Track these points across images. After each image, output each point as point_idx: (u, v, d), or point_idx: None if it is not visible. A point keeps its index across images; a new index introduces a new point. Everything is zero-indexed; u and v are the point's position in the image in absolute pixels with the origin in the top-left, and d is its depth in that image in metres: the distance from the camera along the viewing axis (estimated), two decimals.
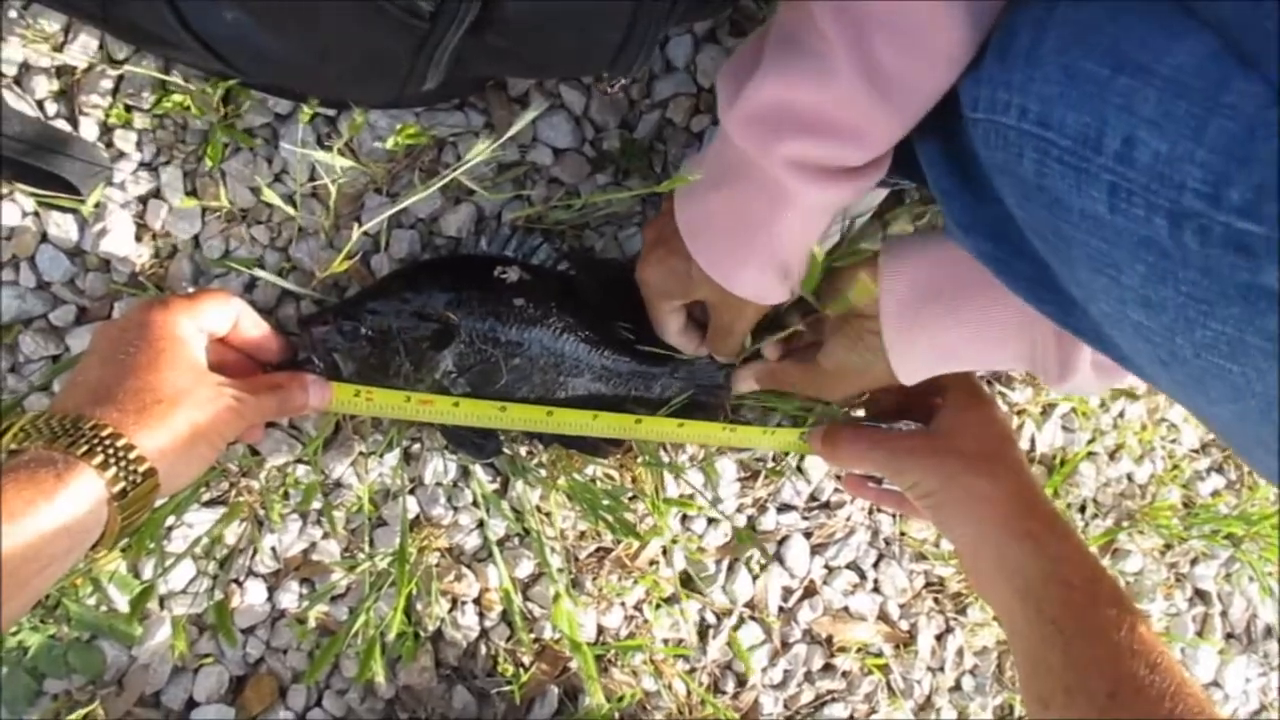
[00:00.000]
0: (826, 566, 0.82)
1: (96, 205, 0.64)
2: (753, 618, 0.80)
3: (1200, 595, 0.92)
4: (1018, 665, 0.57)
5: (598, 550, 0.77)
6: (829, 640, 0.82)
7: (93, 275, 0.66)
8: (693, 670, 0.79)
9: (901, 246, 0.55)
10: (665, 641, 0.78)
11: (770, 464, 0.79)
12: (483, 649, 0.75)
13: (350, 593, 0.73)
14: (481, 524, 0.73)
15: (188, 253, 0.67)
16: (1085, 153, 0.36)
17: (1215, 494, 0.91)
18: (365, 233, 0.66)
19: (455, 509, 0.73)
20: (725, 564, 0.79)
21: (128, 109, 0.65)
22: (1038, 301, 0.45)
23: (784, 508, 0.80)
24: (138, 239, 0.66)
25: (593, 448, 0.70)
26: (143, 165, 0.66)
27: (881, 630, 0.83)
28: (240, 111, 0.65)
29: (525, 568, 0.75)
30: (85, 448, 0.45)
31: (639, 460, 0.74)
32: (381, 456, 0.71)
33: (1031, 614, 0.51)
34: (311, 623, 0.72)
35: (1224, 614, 0.92)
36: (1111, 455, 0.89)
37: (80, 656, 0.68)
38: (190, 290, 0.67)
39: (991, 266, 0.46)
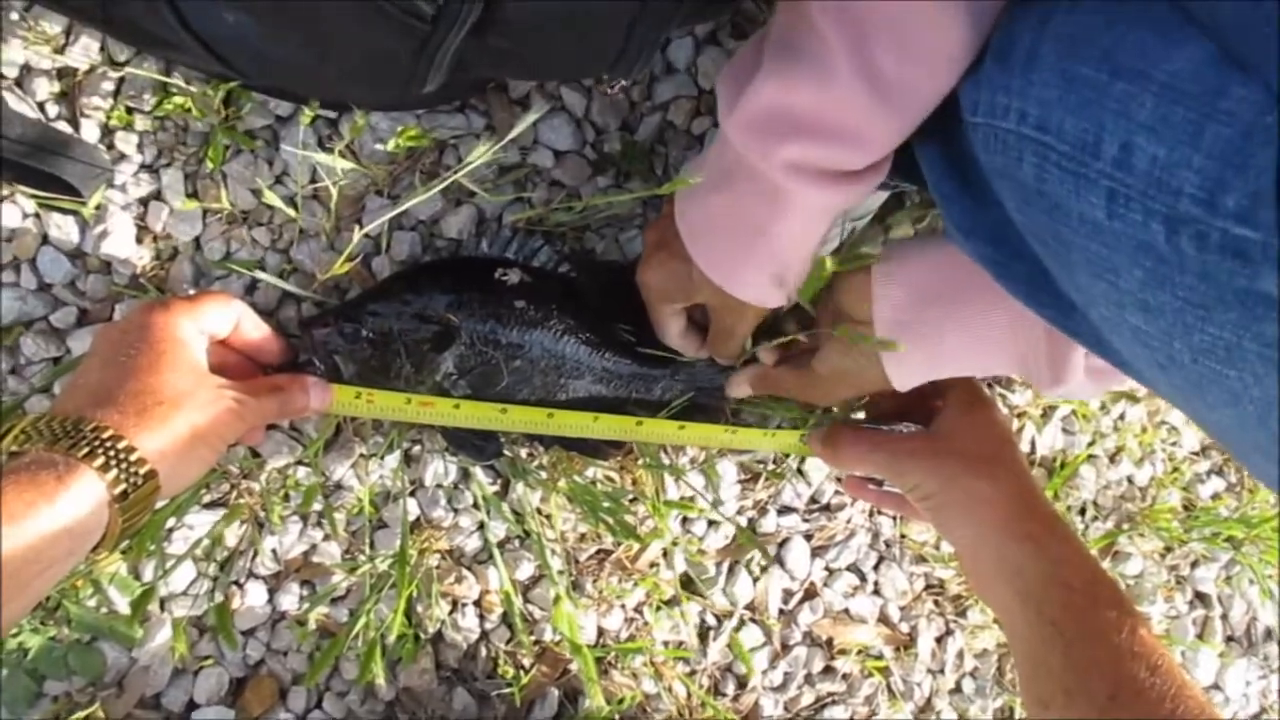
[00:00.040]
0: (827, 569, 0.82)
1: (97, 207, 0.65)
2: (753, 620, 0.80)
3: (1200, 598, 0.92)
4: (1018, 667, 0.57)
5: (598, 552, 0.77)
6: (829, 642, 0.82)
7: (94, 277, 0.67)
8: (693, 672, 0.79)
9: (897, 252, 0.55)
10: (665, 644, 0.78)
11: (771, 466, 0.79)
12: (483, 651, 0.75)
13: (351, 595, 0.73)
14: (482, 526, 0.73)
15: (189, 255, 0.67)
16: (1084, 158, 0.36)
17: (1215, 497, 0.91)
18: (366, 235, 0.66)
19: (456, 511, 0.73)
20: (726, 566, 0.79)
21: (129, 111, 0.65)
22: (1037, 305, 0.45)
23: (784, 510, 0.80)
24: (139, 241, 0.67)
25: (593, 450, 0.70)
26: (144, 167, 0.66)
27: (882, 632, 0.83)
28: (241, 113, 0.65)
29: (526, 570, 0.75)
30: (86, 450, 0.45)
31: (640, 462, 0.74)
32: (382, 458, 0.71)
33: (1031, 616, 0.51)
34: (312, 625, 0.72)
35: (1224, 617, 0.92)
36: (1112, 458, 0.88)
37: (80, 658, 0.68)
38: (191, 292, 0.67)
39: (991, 270, 0.46)
